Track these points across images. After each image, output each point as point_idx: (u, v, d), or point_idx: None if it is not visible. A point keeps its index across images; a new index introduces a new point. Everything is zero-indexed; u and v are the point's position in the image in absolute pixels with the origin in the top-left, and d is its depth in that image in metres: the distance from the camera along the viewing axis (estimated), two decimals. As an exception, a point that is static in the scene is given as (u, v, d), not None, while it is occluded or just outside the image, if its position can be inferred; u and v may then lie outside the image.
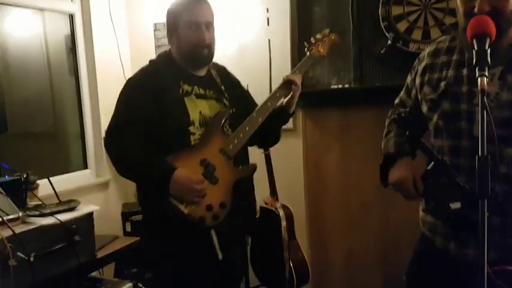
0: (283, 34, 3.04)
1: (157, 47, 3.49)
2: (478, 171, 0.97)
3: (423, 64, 1.54)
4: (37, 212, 2.11)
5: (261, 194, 2.88)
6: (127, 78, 1.89)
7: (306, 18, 2.94)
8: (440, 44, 1.54)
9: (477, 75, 1.08)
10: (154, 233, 1.86)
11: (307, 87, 3.00)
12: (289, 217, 2.86)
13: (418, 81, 1.55)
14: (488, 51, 1.11)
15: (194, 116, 1.78)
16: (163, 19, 3.30)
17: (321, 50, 2.00)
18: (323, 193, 3.10)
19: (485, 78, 1.06)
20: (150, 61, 1.90)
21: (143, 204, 1.89)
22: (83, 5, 3.24)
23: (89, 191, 3.18)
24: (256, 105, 1.96)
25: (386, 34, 2.72)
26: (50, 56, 3.18)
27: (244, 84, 3.00)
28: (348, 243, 3.06)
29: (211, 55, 1.85)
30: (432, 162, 1.20)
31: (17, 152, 2.88)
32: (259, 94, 3.17)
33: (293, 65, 3.01)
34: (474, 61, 1.12)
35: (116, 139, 1.78)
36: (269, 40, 3.10)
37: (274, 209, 2.80)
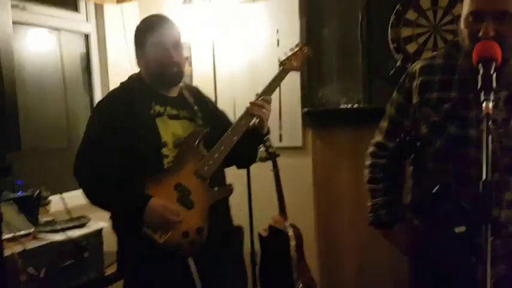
0: (293, 55, 3.08)
1: (169, 66, 3.56)
2: (482, 196, 0.97)
3: (418, 81, 1.49)
4: (48, 228, 2.15)
5: (270, 212, 2.89)
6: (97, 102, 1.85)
7: (316, 40, 2.98)
8: (434, 60, 1.50)
9: (482, 99, 1.08)
10: (130, 263, 1.77)
11: (316, 106, 3.03)
12: (298, 237, 2.85)
13: (415, 99, 1.49)
14: (494, 75, 1.11)
15: (167, 137, 1.72)
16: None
17: (294, 64, 1.98)
18: (333, 212, 3.09)
19: (490, 103, 1.06)
20: (121, 83, 1.86)
21: (117, 233, 1.80)
22: (98, 25, 3.33)
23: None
24: (230, 123, 1.91)
25: (396, 55, 2.75)
26: (65, 73, 3.26)
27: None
28: (358, 264, 3.03)
29: (181, 73, 1.80)
30: (438, 186, 1.20)
31: (30, 167, 2.93)
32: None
33: (302, 84, 3.05)
34: (479, 85, 1.12)
35: (86, 167, 1.71)
36: (279, 59, 3.13)
37: (283, 229, 2.80)
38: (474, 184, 1.31)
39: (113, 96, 1.81)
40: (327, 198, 3.10)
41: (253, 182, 2.86)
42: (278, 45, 3.14)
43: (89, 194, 1.73)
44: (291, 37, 3.07)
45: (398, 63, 2.74)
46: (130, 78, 1.85)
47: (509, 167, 1.26)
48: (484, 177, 0.98)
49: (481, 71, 1.14)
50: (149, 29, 1.75)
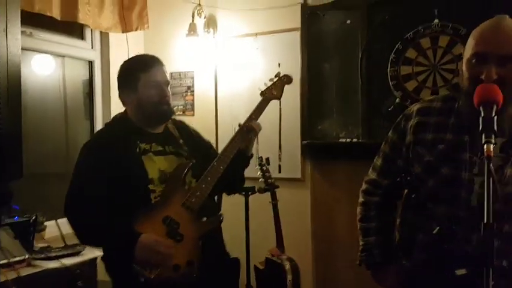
0: (294, 88, 3.12)
1: (172, 95, 3.59)
2: (483, 239, 0.95)
3: (414, 121, 1.49)
4: (43, 255, 2.13)
5: (267, 244, 2.86)
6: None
7: (316, 74, 3.03)
8: (432, 103, 1.51)
9: (483, 141, 1.08)
10: None
11: (316, 139, 3.05)
12: (295, 271, 2.81)
13: (409, 138, 1.49)
14: (495, 118, 1.11)
15: (153, 173, 1.74)
16: (179, 68, 3.54)
17: (274, 93, 2.03)
18: (331, 246, 3.06)
19: (491, 145, 1.06)
20: (106, 124, 1.91)
21: (109, 272, 1.80)
22: (102, 53, 3.38)
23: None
24: (217, 154, 1.93)
25: (395, 93, 2.80)
26: (67, 99, 3.29)
27: (254, 134, 3.11)
28: (354, 300, 2.99)
29: (172, 111, 1.86)
30: (438, 227, 1.19)
31: (27, 192, 2.91)
32: (268, 142, 3.23)
33: (302, 118, 3.09)
34: (480, 127, 1.12)
35: (76, 209, 1.72)
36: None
37: (280, 262, 2.77)
38: (463, 225, 1.33)
39: (99, 137, 1.87)
40: (326, 231, 3.08)
41: (251, 213, 2.85)
42: (279, 78, 3.19)
43: (79, 235, 1.75)
44: (292, 71, 3.11)
45: (397, 100, 2.79)
46: (115, 118, 1.89)
47: (501, 214, 1.25)
48: (485, 220, 0.96)
49: (483, 113, 1.13)
50: (143, 68, 1.78)
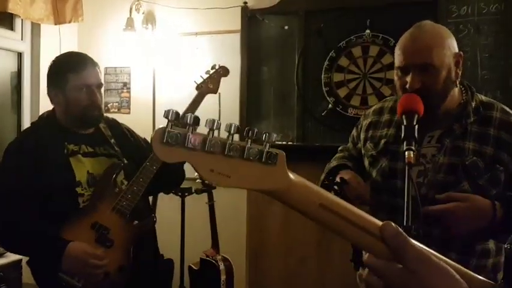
0: (233, 90, 3.17)
1: (106, 91, 3.50)
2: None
3: (368, 120, 1.61)
4: (-37, 258, 2.00)
5: (203, 245, 2.89)
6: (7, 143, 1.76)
7: (255, 77, 3.10)
8: (385, 103, 1.63)
9: (404, 148, 1.19)
10: None
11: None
12: (229, 271, 2.86)
13: (362, 136, 1.61)
14: (416, 127, 1.22)
15: (81, 176, 1.67)
16: (114, 64, 3.45)
17: (211, 86, 1.94)
18: (264, 247, 3.14)
19: (412, 152, 1.15)
20: (32, 123, 1.82)
21: (35, 278, 1.71)
22: (33, 45, 3.22)
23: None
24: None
25: (328, 98, 2.93)
26: (-8, 91, 3.10)
27: (192, 134, 3.09)
28: (285, 297, 3.10)
29: (102, 114, 1.78)
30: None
31: None
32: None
33: (241, 119, 3.14)
34: (402, 136, 1.23)
35: None
36: (219, 94, 3.20)
37: (214, 262, 2.80)
38: (402, 215, 1.44)
39: (24, 138, 1.76)
40: (259, 232, 3.16)
41: (188, 214, 2.85)
42: (218, 79, 3.22)
43: (2, 242, 1.68)
44: (232, 72, 3.14)
45: (330, 106, 2.93)
46: (41, 117, 1.81)
47: (434, 201, 1.35)
48: (404, 223, 1.04)
49: (405, 122, 1.24)
50: (72, 69, 1.67)
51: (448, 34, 1.45)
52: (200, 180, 2.75)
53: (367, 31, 2.87)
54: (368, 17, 2.86)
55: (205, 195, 2.78)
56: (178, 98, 3.31)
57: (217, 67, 1.96)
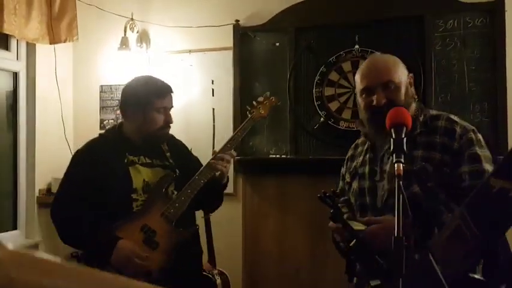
0: (227, 105, 3.22)
1: (101, 108, 3.54)
2: (394, 252, 1.05)
3: (347, 156, 1.81)
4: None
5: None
6: (74, 152, 2.02)
7: (247, 92, 3.15)
8: (360, 139, 1.81)
9: (394, 160, 1.21)
10: None
11: (247, 154, 3.16)
12: (226, 285, 2.87)
13: (344, 169, 1.80)
14: (405, 140, 1.24)
15: (137, 183, 1.87)
16: (110, 82, 3.49)
17: (262, 112, 2.17)
18: (259, 259, 3.16)
19: (401, 165, 1.18)
20: (100, 135, 2.06)
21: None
22: (28, 64, 3.26)
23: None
24: None
25: (320, 112, 2.99)
26: (-12, 110, 3.13)
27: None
28: (282, 310, 3.10)
29: (169, 135, 2.02)
30: (354, 240, 1.30)
31: None
32: (202, 158, 3.28)
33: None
34: (392, 148, 1.26)
35: (60, 211, 1.87)
36: (213, 109, 3.27)
37: (211, 276, 2.81)
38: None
39: (90, 147, 1.96)
40: (255, 245, 3.18)
41: (183, 228, 2.87)
42: (213, 95, 3.28)
43: (63, 236, 1.88)
44: (225, 88, 3.22)
45: (321, 120, 2.98)
46: (109, 129, 2.07)
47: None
48: (395, 233, 1.06)
49: (394, 135, 1.27)
50: (157, 93, 1.91)
51: (399, 60, 1.65)
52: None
53: (356, 46, 2.94)
54: (357, 33, 2.94)
55: (201, 210, 2.80)
56: (173, 114, 3.34)
57: (269, 96, 2.22)
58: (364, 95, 1.60)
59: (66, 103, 3.47)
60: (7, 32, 2.85)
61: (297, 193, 3.07)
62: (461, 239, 1.04)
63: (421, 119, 1.60)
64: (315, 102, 3.00)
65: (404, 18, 2.86)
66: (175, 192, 1.92)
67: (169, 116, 1.96)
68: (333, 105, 2.98)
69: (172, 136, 2.11)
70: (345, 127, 2.94)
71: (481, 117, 2.70)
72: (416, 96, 1.66)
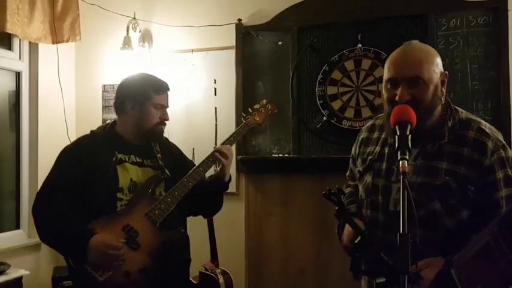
0: (229, 104, 3.22)
1: (104, 107, 3.55)
2: (400, 248, 1.04)
3: (361, 137, 1.68)
4: (-36, 275, 2.01)
5: (202, 259, 2.90)
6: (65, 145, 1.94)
7: (250, 91, 3.16)
8: (377, 120, 1.68)
9: (399, 158, 1.19)
10: None
11: (250, 154, 3.16)
12: (229, 284, 2.87)
13: (357, 152, 1.68)
14: (409, 136, 1.23)
15: (123, 182, 1.81)
16: (112, 81, 3.50)
17: (257, 119, 2.16)
18: (263, 259, 3.15)
19: (406, 161, 1.17)
20: (91, 131, 1.98)
21: (69, 273, 1.83)
22: (31, 64, 3.26)
23: (20, 252, 3.02)
24: None
25: (322, 111, 2.99)
26: (-10, 111, 3.13)
27: (190, 148, 3.15)
28: (285, 310, 3.10)
29: (163, 132, 1.97)
30: (359, 237, 1.29)
31: None
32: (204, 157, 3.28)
33: (237, 133, 3.18)
34: (396, 145, 1.24)
35: (41, 205, 1.81)
36: (215, 108, 3.27)
37: (214, 275, 2.81)
38: (382, 229, 1.48)
39: (79, 144, 1.92)
40: (258, 245, 3.17)
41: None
42: (215, 94, 3.28)
43: (39, 232, 1.80)
44: (228, 87, 3.22)
45: (324, 118, 2.98)
46: (101, 127, 1.99)
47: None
48: (401, 230, 1.05)
49: (398, 132, 1.25)
50: (156, 89, 1.90)
51: (436, 53, 1.49)
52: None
53: (359, 45, 2.94)
54: (359, 32, 2.94)
55: (203, 209, 2.80)
56: (175, 113, 3.35)
57: (266, 104, 2.21)
58: (388, 86, 1.47)
59: (68, 103, 3.47)
60: (10, 32, 2.86)
61: (300, 192, 3.07)
62: (489, 257, 1.01)
63: (449, 123, 1.48)
64: (318, 101, 3.00)
65: (408, 16, 2.86)
66: (162, 194, 1.87)
67: (166, 113, 1.93)
68: (336, 104, 2.97)
69: (166, 138, 2.07)
70: (348, 126, 2.94)
71: (484, 115, 2.69)
72: (445, 98, 1.51)
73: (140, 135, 1.91)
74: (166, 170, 1.92)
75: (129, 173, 1.85)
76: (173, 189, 1.84)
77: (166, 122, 1.94)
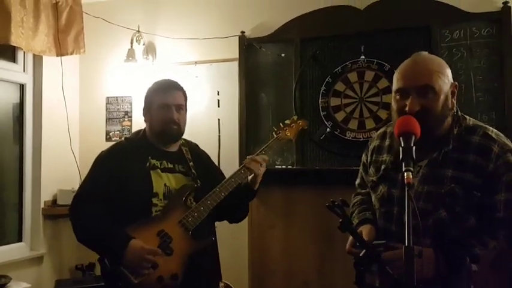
0: (232, 116, 3.22)
1: (107, 119, 3.55)
2: (405, 261, 1.03)
3: (373, 145, 1.65)
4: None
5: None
6: (101, 152, 1.99)
7: (253, 103, 3.16)
8: (389, 127, 1.65)
9: (403, 169, 1.18)
10: None
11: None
12: (232, 297, 2.84)
13: (369, 160, 1.64)
14: (414, 148, 1.22)
15: (158, 188, 1.87)
16: (116, 93, 3.51)
17: (288, 134, 2.17)
18: (266, 272, 3.12)
19: (410, 173, 1.16)
20: (125, 138, 2.09)
21: (102, 273, 1.86)
22: (35, 76, 3.28)
23: (22, 265, 3.01)
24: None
25: (326, 122, 2.98)
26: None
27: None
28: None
29: (181, 132, 1.99)
30: (364, 250, 1.27)
31: None
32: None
33: (240, 144, 3.17)
34: (400, 157, 1.23)
35: (78, 208, 1.87)
36: (219, 120, 3.27)
37: (217, 288, 2.78)
38: (395, 240, 1.41)
39: (114, 149, 1.99)
40: (262, 258, 3.14)
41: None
42: (219, 105, 3.28)
43: (77, 233, 1.85)
44: (231, 99, 3.22)
45: (328, 130, 2.97)
46: (134, 133, 2.09)
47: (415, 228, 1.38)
48: (406, 242, 1.05)
49: (402, 144, 1.24)
50: (158, 91, 1.97)
51: (446, 64, 1.49)
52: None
53: (362, 57, 2.94)
54: (362, 43, 2.94)
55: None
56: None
57: (298, 120, 2.24)
58: (398, 97, 1.45)
59: (72, 115, 3.48)
60: (14, 44, 2.88)
61: (304, 204, 3.05)
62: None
63: (455, 131, 1.46)
64: (321, 113, 2.99)
65: (411, 28, 2.86)
66: (194, 203, 1.91)
67: (172, 112, 1.93)
68: (339, 116, 2.96)
69: (196, 145, 2.15)
70: (352, 137, 2.92)
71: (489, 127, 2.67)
72: (455, 108, 1.49)
73: (159, 140, 1.96)
74: (196, 177, 1.96)
75: (163, 179, 1.90)
76: (206, 198, 1.88)
77: (175, 121, 1.94)
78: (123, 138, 2.05)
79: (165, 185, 1.90)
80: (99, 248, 1.84)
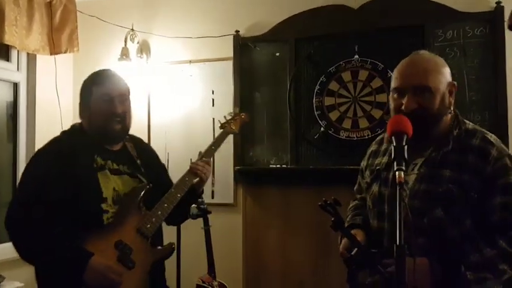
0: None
1: (101, 119, 3.54)
2: (396, 260, 1.04)
3: (370, 150, 1.68)
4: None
5: (199, 271, 2.87)
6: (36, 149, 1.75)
7: (247, 102, 3.15)
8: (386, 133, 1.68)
9: (395, 169, 1.20)
10: None
11: (248, 165, 3.15)
12: (226, 296, 2.83)
13: (365, 164, 1.67)
14: (406, 147, 1.23)
15: (107, 192, 1.66)
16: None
17: (233, 128, 2.13)
18: (261, 271, 3.12)
19: (402, 172, 1.17)
20: (63, 132, 1.79)
21: None
22: (29, 75, 3.27)
23: (15, 264, 2.97)
24: (170, 179, 1.93)
25: (320, 122, 2.99)
26: (-13, 122, 3.13)
27: (188, 158, 3.13)
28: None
29: (126, 129, 1.76)
30: (356, 249, 1.28)
31: None
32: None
33: (235, 143, 3.17)
34: (392, 156, 1.23)
35: (19, 221, 1.57)
36: (213, 119, 3.27)
37: None
38: (388, 238, 1.46)
39: (54, 146, 1.71)
40: (256, 256, 3.14)
41: (183, 238, 2.84)
42: (213, 105, 3.28)
43: (20, 249, 1.57)
44: (226, 98, 3.22)
45: (322, 129, 2.98)
46: (73, 127, 1.80)
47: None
48: (397, 241, 1.05)
49: (394, 143, 1.25)
50: (95, 81, 1.73)
51: (444, 63, 1.50)
52: (195, 205, 2.76)
53: (356, 56, 2.95)
54: (356, 43, 2.94)
55: (200, 220, 2.78)
56: (173, 124, 3.35)
57: (241, 114, 2.22)
58: (395, 95, 1.47)
59: (66, 114, 3.46)
60: (8, 43, 2.86)
61: (298, 203, 3.05)
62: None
63: (455, 133, 1.47)
64: (315, 112, 3.00)
65: (404, 27, 2.87)
66: (143, 206, 1.72)
67: (114, 105, 1.69)
68: (333, 115, 2.97)
69: (141, 140, 1.95)
70: (345, 137, 2.93)
71: (482, 126, 2.67)
72: (453, 108, 1.50)
73: (102, 138, 1.73)
74: (144, 178, 1.78)
75: (111, 182, 1.69)
76: (162, 201, 1.72)
77: (120, 113, 1.71)
78: (59, 133, 1.76)
79: (114, 188, 1.68)
80: (51, 268, 1.57)
